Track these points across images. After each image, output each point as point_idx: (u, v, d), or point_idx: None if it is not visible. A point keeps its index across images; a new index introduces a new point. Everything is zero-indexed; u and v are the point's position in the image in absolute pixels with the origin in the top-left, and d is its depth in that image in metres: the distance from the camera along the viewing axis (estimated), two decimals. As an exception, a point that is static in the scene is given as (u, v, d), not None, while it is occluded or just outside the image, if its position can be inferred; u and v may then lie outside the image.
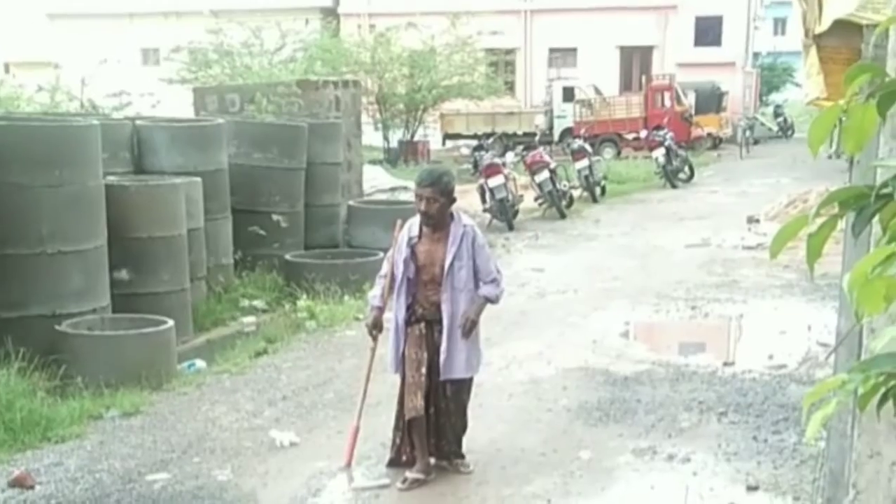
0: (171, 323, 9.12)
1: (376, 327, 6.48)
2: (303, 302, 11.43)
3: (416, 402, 6.20)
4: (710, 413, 7.87)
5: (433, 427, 6.39)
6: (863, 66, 1.89)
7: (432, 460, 6.50)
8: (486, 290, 6.31)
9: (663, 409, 7.98)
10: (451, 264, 6.18)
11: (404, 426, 6.42)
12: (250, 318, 11.57)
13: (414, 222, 6.36)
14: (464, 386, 6.47)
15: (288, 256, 12.88)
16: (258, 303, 12.06)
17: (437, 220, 6.21)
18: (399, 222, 6.48)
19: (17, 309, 8.79)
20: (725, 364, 9.35)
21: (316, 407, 8.15)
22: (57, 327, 8.74)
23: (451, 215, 6.28)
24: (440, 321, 6.24)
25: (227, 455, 7.05)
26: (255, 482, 6.58)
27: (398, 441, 6.55)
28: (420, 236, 6.31)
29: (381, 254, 12.14)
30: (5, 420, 7.26)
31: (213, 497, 6.34)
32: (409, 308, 6.33)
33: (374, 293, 6.58)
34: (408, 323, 6.33)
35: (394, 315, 6.37)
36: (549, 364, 9.31)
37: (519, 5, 41.78)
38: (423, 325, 6.30)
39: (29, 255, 8.89)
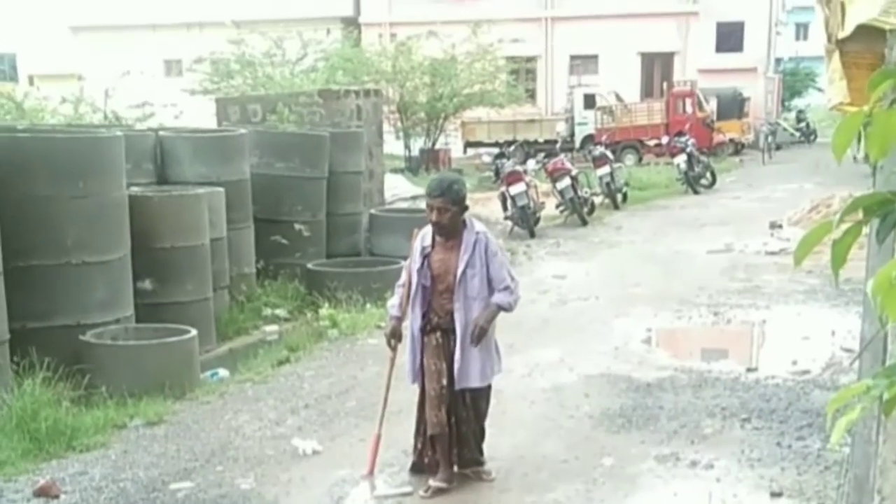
0: (194, 332, 9.16)
1: (395, 336, 6.50)
2: (325, 310, 11.45)
3: (440, 417, 6.20)
4: (733, 419, 7.83)
5: (455, 436, 6.35)
6: (886, 71, 1.88)
7: (455, 469, 6.47)
8: (498, 297, 6.21)
9: (686, 415, 7.95)
10: (464, 272, 6.13)
11: (424, 431, 6.41)
12: (273, 327, 11.62)
13: (427, 231, 6.33)
14: (482, 394, 6.43)
15: (310, 265, 12.93)
16: (280, 311, 12.10)
17: (450, 229, 6.17)
18: (415, 231, 6.47)
19: (41, 319, 8.85)
20: (748, 370, 9.31)
21: (338, 415, 8.16)
22: (81, 337, 8.80)
23: (464, 223, 6.23)
24: (455, 330, 6.20)
25: (250, 463, 7.07)
26: (278, 490, 6.59)
27: (419, 446, 6.55)
28: (433, 245, 6.28)
29: (403, 262, 12.21)
30: (30, 429, 7.31)
31: (236, 505, 6.36)
32: (424, 317, 6.29)
33: (393, 302, 6.56)
34: (424, 332, 6.30)
35: (410, 324, 6.36)
36: (572, 371, 9.30)
37: (540, 13, 41.74)
38: (439, 334, 6.27)
39: (54, 266, 8.96)
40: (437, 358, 6.23)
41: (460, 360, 6.16)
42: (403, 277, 6.47)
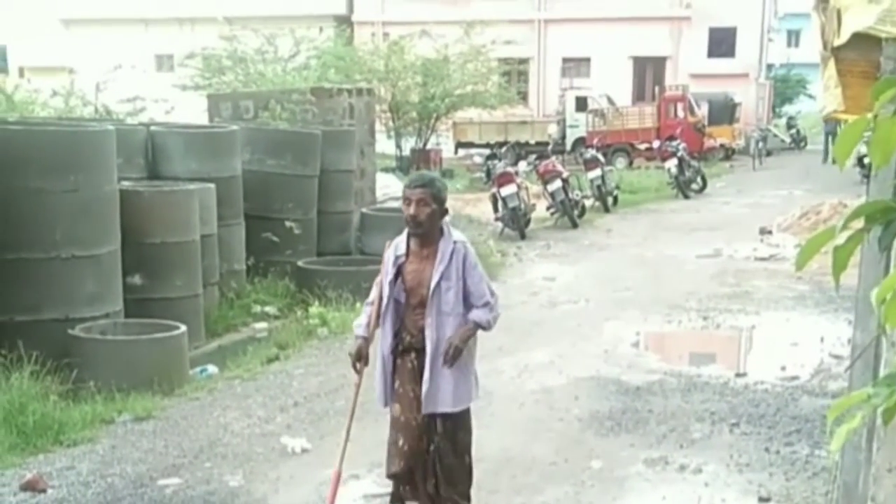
0: (183, 328, 9.15)
1: (360, 359, 5.69)
2: (315, 309, 11.43)
3: (419, 447, 5.58)
4: (722, 424, 7.86)
5: (431, 468, 5.66)
6: (891, 79, 1.89)
7: None
8: (476, 314, 5.50)
9: (675, 419, 7.97)
10: (438, 284, 5.44)
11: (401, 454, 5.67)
12: (262, 325, 11.59)
13: (401, 240, 5.66)
14: (458, 422, 5.65)
15: (300, 263, 12.90)
16: (270, 309, 12.07)
17: (427, 228, 5.47)
18: (388, 243, 5.76)
19: (30, 313, 8.81)
20: (737, 375, 9.35)
21: (327, 414, 8.16)
22: (70, 331, 8.76)
23: (441, 231, 5.56)
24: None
25: (239, 461, 7.06)
26: (267, 488, 6.59)
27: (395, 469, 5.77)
28: (407, 254, 5.60)
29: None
30: (18, 423, 7.29)
31: (224, 502, 6.35)
32: (396, 336, 5.63)
33: (359, 322, 5.81)
34: (395, 353, 5.65)
35: (379, 344, 5.66)
36: (561, 373, 9.30)
37: (533, 15, 41.80)
38: (413, 355, 5.59)
39: (43, 260, 8.91)
40: (413, 383, 5.56)
41: (429, 381, 5.45)
42: (373, 294, 5.76)
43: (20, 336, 8.37)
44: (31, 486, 6.43)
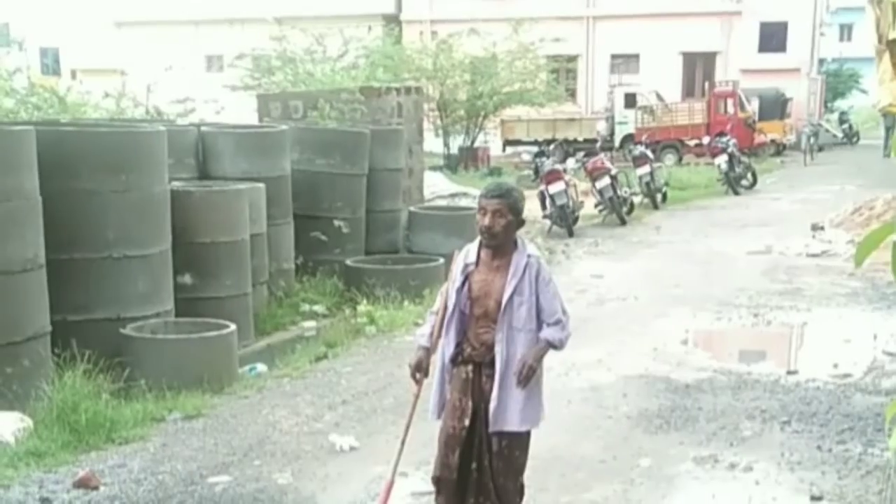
0: (232, 327, 9.21)
1: (420, 369, 5.43)
2: (363, 307, 11.48)
3: (451, 460, 5.39)
4: (772, 422, 7.78)
5: (474, 488, 5.43)
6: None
7: None
8: (548, 332, 5.26)
9: (725, 417, 7.91)
10: (510, 299, 5.21)
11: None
12: (311, 323, 11.66)
13: (471, 248, 5.42)
14: (519, 442, 5.40)
15: (348, 262, 12.95)
16: (319, 308, 12.13)
17: (501, 240, 5.26)
18: (455, 252, 5.55)
19: (82, 312, 8.92)
20: (789, 372, 9.26)
21: (375, 412, 8.17)
22: (121, 331, 8.86)
23: (515, 243, 5.34)
24: (490, 364, 5.29)
25: (287, 459, 7.09)
26: (315, 486, 6.61)
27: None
28: (477, 263, 5.36)
29: (441, 259, 12.27)
30: (71, 421, 7.37)
31: (273, 500, 6.38)
32: (457, 345, 5.40)
33: (423, 331, 5.59)
34: (454, 363, 5.43)
35: (440, 353, 5.45)
36: (609, 371, 9.27)
37: (582, 11, 41.68)
38: (470, 367, 5.37)
39: (95, 260, 9.02)
40: (462, 393, 5.37)
41: (497, 399, 5.24)
42: (437, 303, 5.53)
43: (73, 335, 8.46)
44: (83, 484, 6.50)
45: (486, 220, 5.22)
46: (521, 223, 5.36)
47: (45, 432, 7.30)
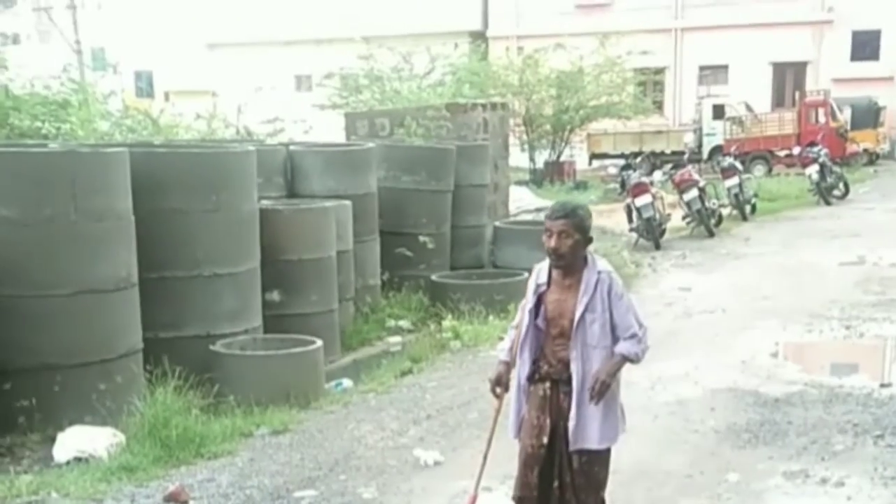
0: (319, 343, 9.31)
1: (500, 384, 5.45)
2: (448, 322, 11.52)
3: (530, 479, 5.34)
4: (865, 436, 7.63)
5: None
6: None
7: None
8: (623, 346, 5.21)
9: (816, 431, 7.77)
10: (583, 317, 5.18)
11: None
12: (396, 338, 11.75)
13: (543, 267, 5.39)
14: (599, 459, 5.35)
15: (434, 277, 13.03)
16: (404, 323, 12.23)
17: (569, 260, 5.21)
18: (536, 267, 5.48)
19: (173, 329, 9.11)
20: (882, 385, 9.05)
21: (460, 426, 8.20)
22: (211, 347, 9.04)
23: (585, 259, 5.28)
24: (568, 381, 5.26)
25: (373, 473, 7.14)
26: (400, 500, 6.65)
27: None
28: (549, 283, 5.33)
29: (526, 274, 12.18)
30: (162, 437, 7.51)
31: (358, 514, 6.45)
32: (534, 364, 5.39)
33: (503, 346, 5.63)
34: (531, 381, 5.41)
35: (517, 371, 5.44)
36: (696, 385, 9.17)
37: (670, 24, 41.34)
38: (548, 384, 5.35)
39: (185, 278, 9.22)
40: (540, 411, 5.34)
41: (576, 418, 5.22)
42: (518, 317, 5.50)
43: (164, 352, 8.64)
44: (174, 498, 6.62)
45: (553, 242, 5.18)
46: (589, 241, 5.28)
47: (137, 447, 7.47)
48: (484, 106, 17.60)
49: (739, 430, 7.86)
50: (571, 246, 5.16)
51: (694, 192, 19.59)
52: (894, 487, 6.59)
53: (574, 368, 5.22)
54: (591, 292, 5.19)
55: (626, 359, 5.24)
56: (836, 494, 6.53)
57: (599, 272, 5.23)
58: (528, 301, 5.36)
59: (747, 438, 7.67)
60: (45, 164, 8.26)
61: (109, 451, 7.46)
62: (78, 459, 7.39)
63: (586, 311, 5.18)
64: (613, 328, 5.23)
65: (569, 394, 5.25)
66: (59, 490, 6.73)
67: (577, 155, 34.69)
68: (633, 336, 5.22)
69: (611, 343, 5.23)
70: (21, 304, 7.92)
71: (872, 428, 7.81)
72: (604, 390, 5.16)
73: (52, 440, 7.67)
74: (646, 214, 18.19)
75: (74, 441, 7.56)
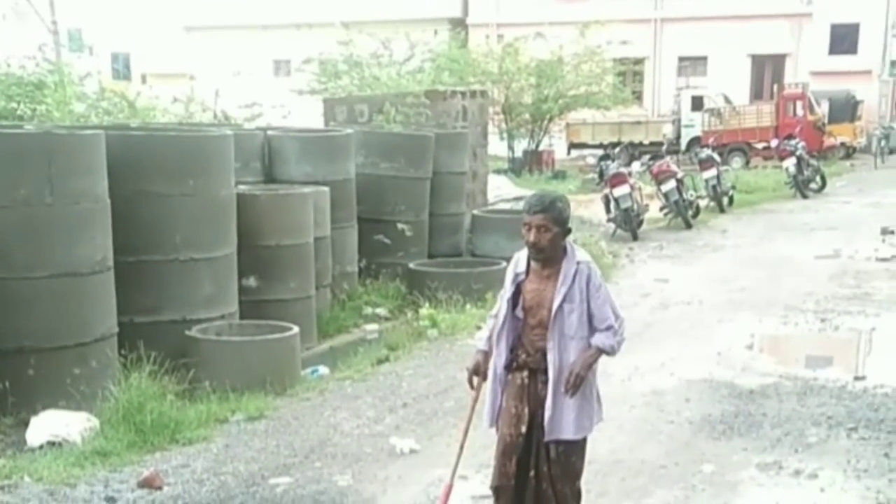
0: (296, 330, 9.28)
1: (477, 373, 5.48)
2: (425, 310, 11.49)
3: (508, 468, 5.33)
4: (839, 428, 7.68)
5: (532, 494, 5.38)
6: None
7: None
8: (599, 338, 5.18)
9: (790, 423, 7.82)
10: (560, 307, 5.15)
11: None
12: (373, 326, 11.72)
13: (522, 256, 5.37)
14: (574, 448, 5.35)
15: (412, 265, 13.00)
16: (381, 310, 12.21)
17: (548, 253, 5.19)
18: (514, 256, 5.46)
19: (149, 314, 9.05)
20: (856, 378, 9.11)
21: (436, 415, 8.20)
22: (187, 332, 8.98)
23: (564, 249, 5.25)
24: (545, 371, 5.24)
25: (348, 461, 7.14)
26: (375, 488, 6.65)
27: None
28: (527, 273, 5.32)
29: (504, 263, 12.18)
30: (136, 422, 7.47)
31: (333, 502, 6.43)
32: (511, 352, 5.37)
33: (481, 335, 5.66)
34: (508, 370, 5.38)
35: (493, 360, 5.41)
36: (672, 375, 9.21)
37: (649, 14, 41.42)
38: (525, 374, 5.33)
39: (162, 262, 9.15)
40: (518, 400, 5.33)
41: (552, 409, 5.21)
42: (496, 307, 5.50)
43: (140, 337, 8.57)
44: (148, 483, 6.59)
45: (532, 237, 5.15)
46: (568, 232, 5.26)
47: (111, 432, 7.43)
48: (463, 94, 17.56)
49: (714, 421, 7.90)
50: (550, 239, 5.15)
51: (672, 184, 19.65)
52: (867, 480, 6.63)
53: (551, 359, 5.20)
54: (569, 283, 5.18)
55: (601, 351, 5.22)
56: (810, 486, 6.57)
57: (578, 262, 5.21)
58: (507, 290, 5.34)
59: (722, 430, 7.70)
60: (21, 146, 8.16)
61: (83, 436, 7.41)
62: (51, 444, 7.33)
63: (564, 302, 5.16)
64: (590, 319, 5.21)
65: (546, 383, 5.23)
66: (32, 475, 6.69)
67: (556, 144, 34.70)
68: (610, 328, 5.21)
69: (588, 334, 5.22)
70: (-6, 286, 7.83)
71: (846, 420, 7.86)
72: (579, 383, 5.14)
73: (26, 424, 7.59)
74: (624, 205, 18.22)
75: (48, 425, 7.49)
